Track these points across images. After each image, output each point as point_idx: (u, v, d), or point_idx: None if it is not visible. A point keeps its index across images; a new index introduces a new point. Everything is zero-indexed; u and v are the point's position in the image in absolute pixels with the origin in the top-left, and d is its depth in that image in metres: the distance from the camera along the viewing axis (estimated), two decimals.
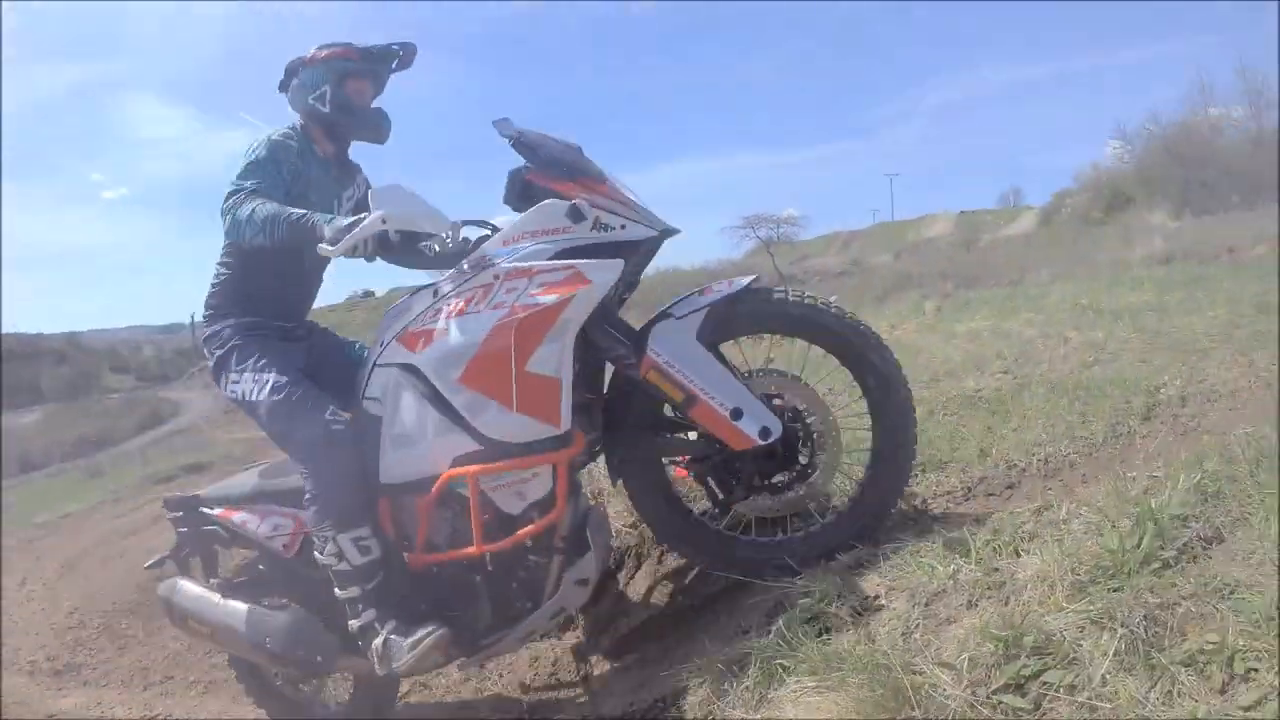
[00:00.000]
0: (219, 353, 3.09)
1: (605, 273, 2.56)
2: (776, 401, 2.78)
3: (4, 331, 51.60)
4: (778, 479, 2.84)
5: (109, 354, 71.09)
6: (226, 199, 2.83)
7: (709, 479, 2.88)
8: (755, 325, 2.84)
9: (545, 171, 2.69)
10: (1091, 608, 1.82)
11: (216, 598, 3.28)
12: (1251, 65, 34.00)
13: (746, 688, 2.17)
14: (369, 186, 3.14)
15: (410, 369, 2.73)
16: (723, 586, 2.95)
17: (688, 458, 2.93)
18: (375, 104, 3.20)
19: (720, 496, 2.87)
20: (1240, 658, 1.59)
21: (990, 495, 3.03)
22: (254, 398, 2.96)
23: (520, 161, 2.76)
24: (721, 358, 2.76)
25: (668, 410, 2.90)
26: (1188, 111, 29.25)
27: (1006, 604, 1.99)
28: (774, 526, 2.95)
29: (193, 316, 78.74)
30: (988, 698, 1.69)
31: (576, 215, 2.59)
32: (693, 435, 2.91)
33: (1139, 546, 2.00)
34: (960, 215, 50.99)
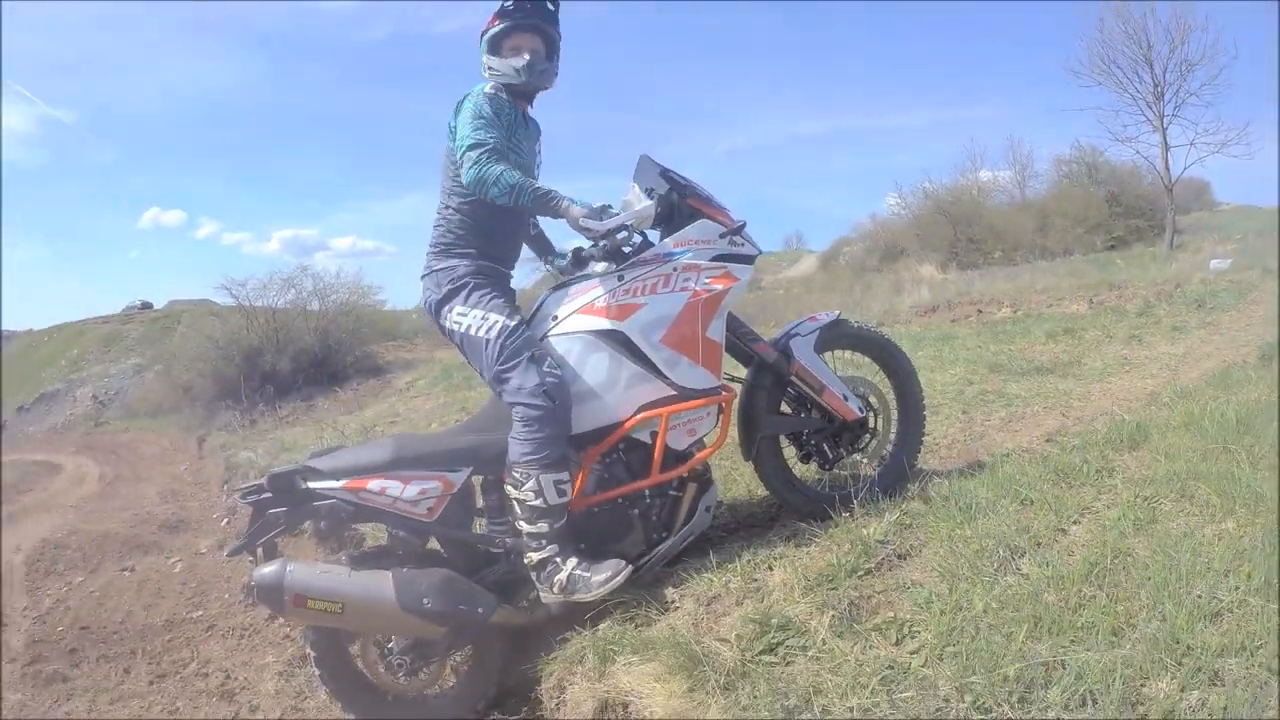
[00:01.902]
0: (449, 286, 3.58)
1: (745, 273, 3.72)
2: (856, 392, 3.99)
3: None
4: (864, 441, 4.01)
5: None
6: (468, 150, 3.38)
7: (823, 445, 3.95)
8: (842, 343, 4.10)
9: (700, 200, 3.71)
10: (815, 600, 2.87)
11: (346, 571, 3.39)
12: (1019, 136, 37.75)
13: (590, 668, 3.02)
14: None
15: (609, 333, 3.53)
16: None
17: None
18: (559, 42, 3.76)
19: (829, 457, 3.95)
20: (908, 625, 2.64)
21: (757, 527, 4.02)
22: (480, 334, 3.47)
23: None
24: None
25: (784, 407, 3.96)
26: (959, 173, 32.10)
27: (761, 601, 3.00)
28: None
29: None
30: (751, 658, 2.66)
31: (731, 234, 3.67)
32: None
33: (849, 562, 3.08)
34: None
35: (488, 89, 3.56)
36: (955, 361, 7.69)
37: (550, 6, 3.70)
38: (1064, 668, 2.24)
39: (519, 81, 3.64)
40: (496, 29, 3.64)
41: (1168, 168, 26.83)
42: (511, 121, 3.60)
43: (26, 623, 6.33)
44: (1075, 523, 3.21)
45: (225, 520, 8.68)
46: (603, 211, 3.40)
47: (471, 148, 3.37)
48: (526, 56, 3.62)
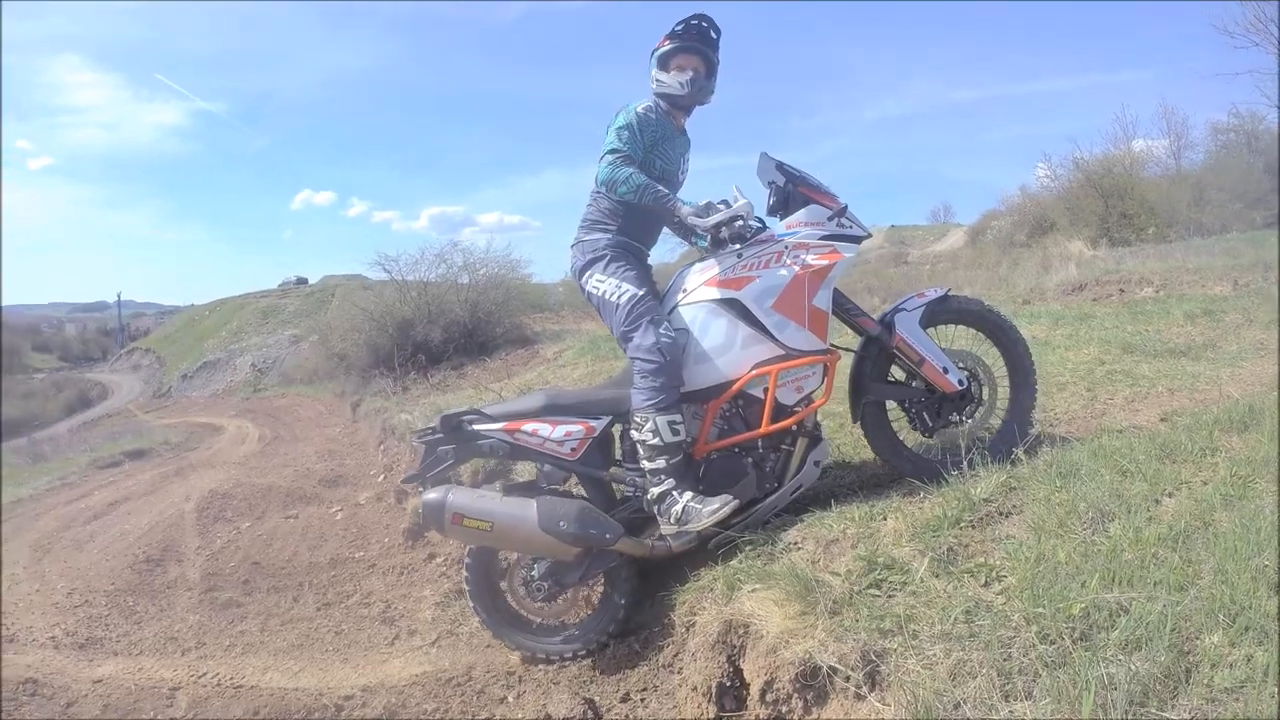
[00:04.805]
0: (590, 255, 4.36)
1: (850, 250, 4.20)
2: (960, 365, 4.36)
3: None
4: (967, 412, 4.37)
5: (30, 331, 70.21)
6: (607, 154, 4.19)
7: (923, 413, 4.38)
8: (949, 318, 4.46)
9: (810, 188, 4.27)
10: (919, 545, 3.33)
11: (499, 496, 4.21)
12: (1174, 102, 35.33)
13: (717, 594, 3.58)
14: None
15: (729, 302, 4.14)
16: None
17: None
18: (718, 65, 4.43)
19: (930, 425, 4.37)
20: (996, 570, 3.06)
21: (879, 486, 4.41)
22: (613, 299, 4.22)
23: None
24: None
25: (893, 375, 4.44)
26: (1110, 143, 30.29)
27: (873, 544, 3.46)
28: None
29: (119, 295, 77.72)
30: (858, 590, 3.14)
31: (837, 216, 4.19)
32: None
33: (953, 515, 3.50)
34: (891, 229, 52.67)
35: (639, 108, 4.27)
36: (1090, 341, 7.80)
37: (713, 35, 4.34)
38: (1126, 613, 2.55)
39: (681, 94, 4.32)
40: (666, 49, 4.32)
41: None
42: (659, 135, 4.30)
43: (200, 559, 7.18)
44: (1169, 495, 3.44)
45: (382, 476, 9.38)
46: (707, 208, 4.08)
47: (610, 152, 4.13)
48: (690, 73, 4.28)
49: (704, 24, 4.32)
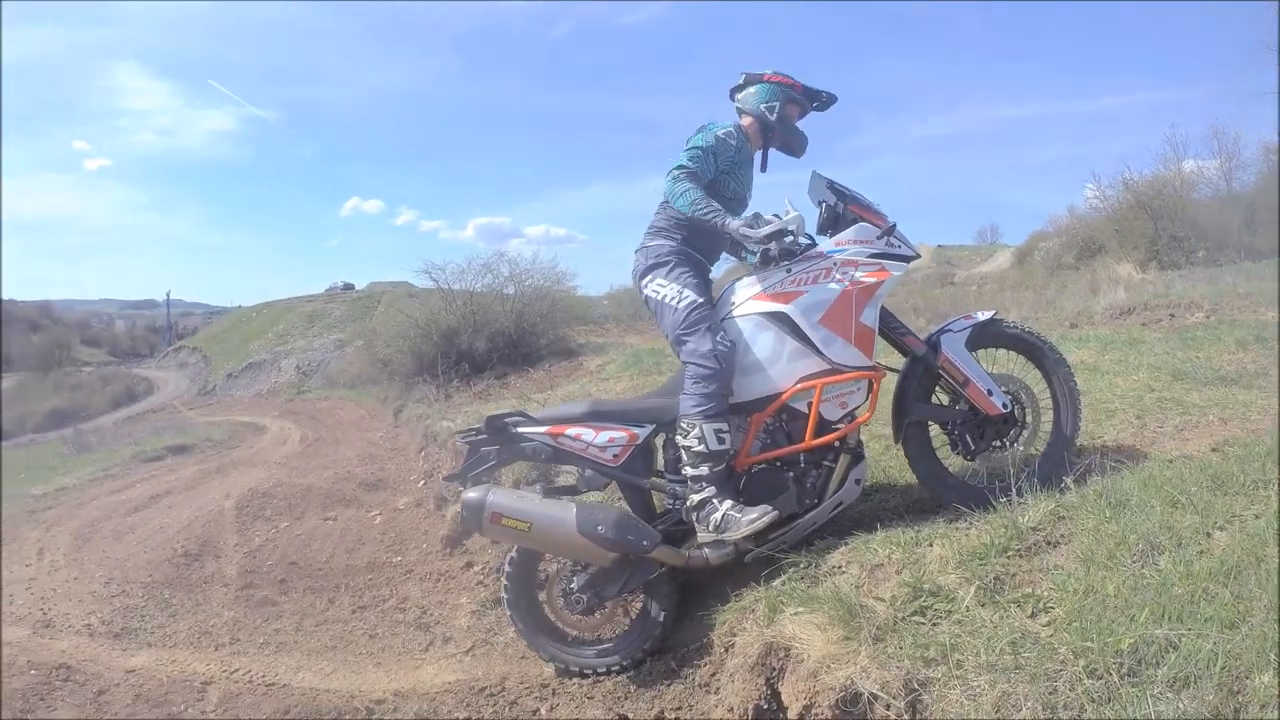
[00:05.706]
0: (653, 260, 4.44)
1: (898, 269, 4.22)
2: (1004, 389, 4.31)
3: None
4: (1010, 436, 4.34)
5: (80, 326, 71.91)
6: (674, 168, 4.29)
7: (966, 436, 4.34)
8: (994, 341, 4.46)
9: (860, 207, 4.30)
10: (966, 573, 3.27)
11: (538, 498, 4.23)
12: (1224, 122, 34.59)
13: (759, 615, 3.55)
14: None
15: (777, 315, 4.15)
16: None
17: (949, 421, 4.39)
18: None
19: (972, 448, 4.33)
20: (1043, 601, 3.00)
21: (925, 511, 4.35)
22: (672, 303, 4.27)
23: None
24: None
25: (936, 397, 4.42)
26: (1160, 164, 29.06)
27: (918, 570, 3.41)
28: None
29: (168, 294, 79.16)
30: (903, 617, 3.10)
31: (886, 235, 4.20)
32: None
33: (1000, 543, 3.44)
34: (937, 249, 52.07)
35: (720, 132, 4.41)
36: (1139, 367, 7.64)
37: (816, 109, 4.63)
38: (1175, 649, 2.49)
39: (799, 145, 4.58)
40: (794, 92, 4.54)
41: None
42: (736, 159, 4.45)
43: (238, 556, 7.26)
44: (1220, 528, 3.35)
45: (422, 482, 9.37)
46: (756, 219, 4.10)
47: (677, 166, 4.19)
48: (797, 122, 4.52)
49: (831, 99, 4.60)
